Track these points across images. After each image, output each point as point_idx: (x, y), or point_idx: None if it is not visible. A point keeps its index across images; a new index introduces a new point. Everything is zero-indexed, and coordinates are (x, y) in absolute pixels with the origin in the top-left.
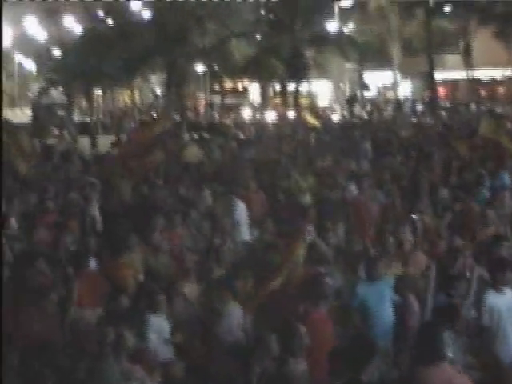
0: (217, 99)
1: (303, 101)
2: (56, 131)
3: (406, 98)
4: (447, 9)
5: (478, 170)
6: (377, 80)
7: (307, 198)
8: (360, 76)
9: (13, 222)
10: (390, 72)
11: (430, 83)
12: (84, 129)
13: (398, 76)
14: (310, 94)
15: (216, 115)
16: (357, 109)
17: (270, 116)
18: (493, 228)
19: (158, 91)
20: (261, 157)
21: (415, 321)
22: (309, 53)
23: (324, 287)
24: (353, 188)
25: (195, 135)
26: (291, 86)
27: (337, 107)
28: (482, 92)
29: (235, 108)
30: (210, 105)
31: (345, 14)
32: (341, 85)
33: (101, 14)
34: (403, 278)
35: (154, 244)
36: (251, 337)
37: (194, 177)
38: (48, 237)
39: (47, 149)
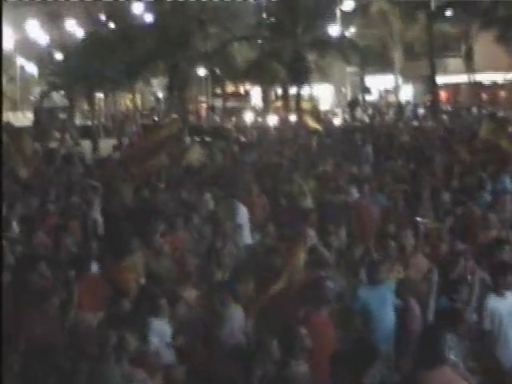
0: (219, 103)
1: (305, 105)
2: (58, 135)
3: (408, 102)
4: (449, 13)
5: (480, 173)
6: (378, 84)
7: (309, 202)
8: (362, 80)
9: (14, 225)
10: (392, 76)
11: (432, 87)
12: (86, 132)
13: (400, 80)
14: (311, 98)
15: (218, 119)
16: (358, 113)
17: (272, 120)
18: (494, 232)
19: (160, 95)
20: (262, 160)
21: (417, 325)
22: (310, 57)
23: (325, 291)
24: (354, 192)
25: (197, 139)
26: (293, 90)
27: (338, 111)
28: (484, 96)
29: (237, 112)
30: (211, 108)
31: (346, 18)
32: (342, 89)
33: (103, 17)
34: (404, 281)
35: (156, 248)
36: (252, 340)
37: (196, 180)
38: (48, 240)
39: (49, 152)
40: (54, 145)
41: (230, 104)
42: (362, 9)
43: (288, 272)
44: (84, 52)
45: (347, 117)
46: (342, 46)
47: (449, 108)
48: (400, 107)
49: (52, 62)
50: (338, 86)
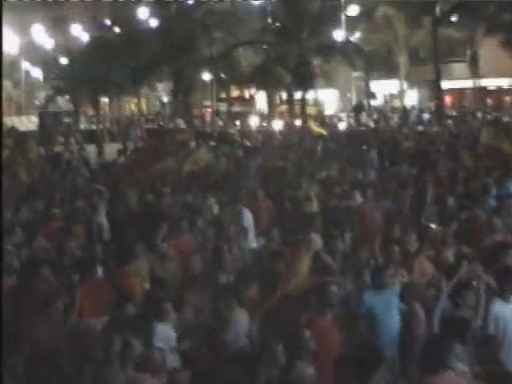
0: (223, 107)
1: (310, 109)
2: (62, 139)
3: (413, 107)
4: (454, 18)
5: (484, 179)
6: (383, 89)
7: (315, 207)
8: (367, 85)
9: (17, 229)
10: (397, 81)
11: (437, 92)
12: (91, 137)
13: (405, 85)
14: (316, 103)
15: (221, 123)
16: (363, 117)
17: (277, 124)
18: (499, 236)
19: (165, 99)
20: (267, 165)
21: (421, 329)
22: (315, 61)
23: (329, 295)
24: (357, 196)
25: (202, 143)
26: (298, 95)
27: (343, 116)
28: (489, 101)
29: (242, 116)
30: (216, 113)
31: (351, 23)
32: (347, 94)
33: (108, 22)
34: (409, 286)
35: (161, 252)
36: (257, 344)
37: (201, 185)
38: (47, 244)
39: (54, 156)
40: (58, 149)
41: (235, 108)
42: (366, 14)
43: (292, 276)
44: (89, 56)
45: (352, 121)
46: (347, 51)
47: (454, 113)
48: (405, 112)
49: (57, 66)
50: (343, 90)
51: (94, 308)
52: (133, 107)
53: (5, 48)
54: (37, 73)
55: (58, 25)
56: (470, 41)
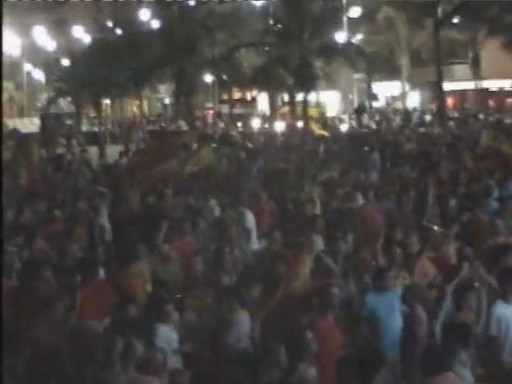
0: (225, 109)
1: (312, 111)
2: (64, 141)
3: (415, 109)
4: (456, 19)
5: (486, 180)
6: (385, 90)
7: (317, 209)
8: (368, 86)
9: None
10: (399, 82)
11: (439, 94)
12: (92, 138)
13: (407, 86)
14: (318, 105)
15: (222, 125)
16: (365, 119)
17: (279, 126)
18: (501, 238)
19: (167, 101)
20: (269, 167)
21: (422, 331)
22: (317, 63)
23: (331, 297)
24: (359, 198)
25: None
26: (300, 97)
27: (345, 118)
28: (491, 102)
29: (244, 118)
30: (218, 115)
31: (353, 25)
32: (349, 95)
33: (110, 23)
34: (410, 288)
35: (163, 253)
36: (259, 345)
37: (202, 186)
38: (46, 246)
39: (56, 158)
40: (60, 151)
41: (237, 110)
42: (368, 15)
43: (294, 278)
44: (91, 58)
45: (354, 123)
46: (349, 53)
47: (456, 115)
48: (407, 114)
49: (59, 68)
50: (345, 92)
51: (95, 310)
52: (135, 109)
53: (7, 50)
54: (39, 74)
55: (59, 27)
56: (472, 42)
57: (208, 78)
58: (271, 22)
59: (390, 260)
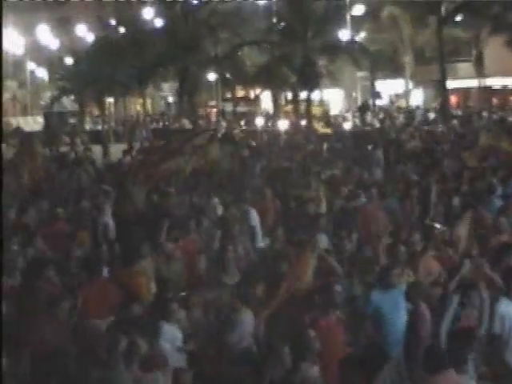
0: (229, 107)
1: (315, 109)
2: (68, 139)
3: (418, 107)
4: (459, 17)
5: (490, 178)
6: (389, 89)
7: (323, 207)
8: (372, 85)
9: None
10: (402, 80)
11: (442, 92)
12: (96, 137)
13: (410, 84)
14: (321, 103)
15: (227, 124)
16: (368, 117)
17: (282, 124)
18: (505, 236)
19: (170, 100)
20: (272, 165)
21: (426, 330)
22: (321, 61)
23: (333, 295)
24: (362, 196)
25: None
26: (303, 95)
27: (349, 116)
28: (494, 100)
29: (247, 116)
30: (221, 113)
31: (357, 23)
32: (353, 93)
33: (113, 22)
34: (414, 285)
35: (166, 252)
36: (263, 344)
37: (206, 184)
38: (48, 246)
39: (59, 157)
40: (64, 149)
41: (240, 108)
42: (372, 13)
43: (297, 277)
44: (94, 57)
45: (357, 121)
46: (353, 51)
47: (459, 112)
48: (410, 112)
49: (62, 66)
50: (349, 90)
51: (99, 308)
52: (138, 107)
53: (10, 48)
54: (42, 73)
55: (63, 25)
56: (476, 40)
57: (211, 76)
58: (274, 20)
59: (394, 258)
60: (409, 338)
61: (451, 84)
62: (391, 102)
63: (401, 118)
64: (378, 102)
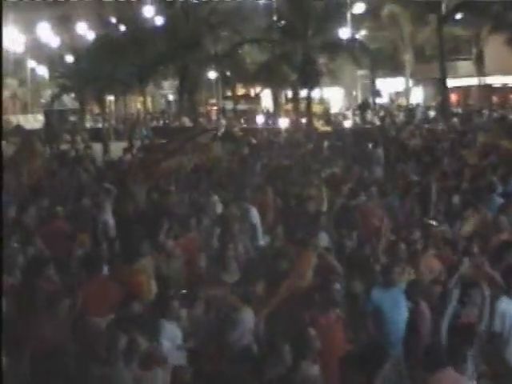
0: (229, 106)
1: (316, 107)
2: (69, 137)
3: (418, 105)
4: (459, 16)
5: (490, 176)
6: (389, 87)
7: (325, 205)
8: (372, 83)
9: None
10: (403, 79)
11: (442, 90)
12: (96, 135)
13: (411, 83)
14: (322, 101)
15: (227, 122)
16: (369, 115)
17: (283, 122)
18: (505, 234)
19: (171, 98)
20: (273, 163)
21: (427, 327)
22: (321, 60)
23: (333, 293)
24: (362, 194)
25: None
26: (303, 93)
27: (349, 114)
28: (494, 98)
29: (248, 114)
30: (222, 111)
31: (357, 21)
32: (353, 92)
33: (114, 20)
34: (414, 283)
35: (166, 250)
36: (263, 342)
37: (206, 182)
38: (50, 244)
39: (60, 155)
40: (64, 147)
41: (241, 107)
42: (372, 12)
43: (299, 276)
44: (95, 55)
45: (357, 119)
46: (353, 49)
47: (459, 111)
48: (410, 110)
49: (63, 64)
50: (349, 88)
51: (99, 306)
52: (138, 105)
53: (11, 46)
54: (42, 71)
55: (63, 23)
56: (476, 39)
57: (211, 74)
58: (275, 18)
59: (395, 256)
60: (409, 337)
61: (451, 82)
62: (391, 100)
63: (401, 116)
64: (378, 101)
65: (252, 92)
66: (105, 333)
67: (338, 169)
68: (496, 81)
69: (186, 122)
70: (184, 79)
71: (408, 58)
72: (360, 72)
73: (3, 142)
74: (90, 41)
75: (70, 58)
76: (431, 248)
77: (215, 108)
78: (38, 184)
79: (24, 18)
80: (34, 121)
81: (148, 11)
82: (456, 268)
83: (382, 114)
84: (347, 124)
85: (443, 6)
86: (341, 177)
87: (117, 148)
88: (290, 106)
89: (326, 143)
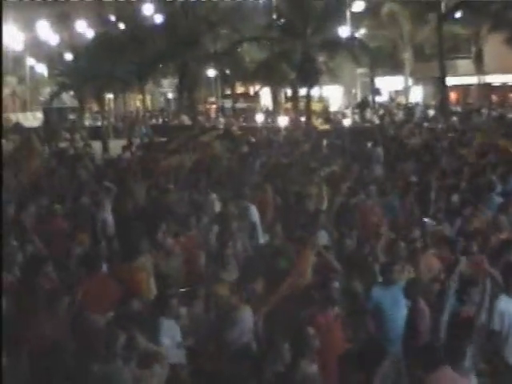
0: (228, 104)
1: (315, 106)
2: (68, 135)
3: (418, 104)
4: (459, 14)
5: (489, 175)
6: (388, 85)
7: (325, 204)
8: (372, 81)
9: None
10: (402, 77)
11: (442, 88)
12: (95, 133)
13: (410, 81)
14: (321, 99)
15: (226, 120)
16: (368, 114)
17: (282, 121)
18: (505, 233)
19: (170, 96)
20: (272, 161)
21: (425, 326)
22: (320, 58)
23: (331, 291)
24: (361, 193)
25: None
26: (303, 91)
27: (348, 112)
28: (494, 97)
29: (247, 112)
30: (221, 109)
31: (357, 20)
32: (352, 90)
33: (113, 18)
34: (413, 282)
35: (165, 248)
36: (262, 340)
37: (205, 180)
38: (48, 243)
39: (59, 153)
40: (63, 145)
41: (240, 105)
42: (372, 10)
43: (299, 275)
44: (94, 52)
45: (357, 118)
46: (352, 48)
47: (458, 109)
48: (410, 108)
49: (62, 62)
50: (348, 87)
51: (98, 304)
52: (138, 103)
53: (10, 44)
54: (41, 69)
55: (62, 21)
56: (475, 37)
57: (211, 72)
58: (274, 16)
59: (394, 254)
60: (408, 335)
61: (451, 81)
62: (391, 99)
63: (400, 115)
64: (378, 99)
65: (251, 90)
66: (104, 330)
67: (337, 167)
68: (495, 79)
69: (186, 120)
70: (183, 77)
71: (407, 56)
72: (359, 70)
73: (3, 140)
74: (89, 39)
75: (69, 56)
76: (430, 247)
77: (214, 106)
78: (37, 182)
79: (23, 15)
80: (33, 119)
81: (147, 9)
82: (454, 266)
83: (381, 112)
84: (346, 122)
85: (443, 5)
86: (340, 175)
87: (116, 146)
88: (289, 105)
89: (325, 141)
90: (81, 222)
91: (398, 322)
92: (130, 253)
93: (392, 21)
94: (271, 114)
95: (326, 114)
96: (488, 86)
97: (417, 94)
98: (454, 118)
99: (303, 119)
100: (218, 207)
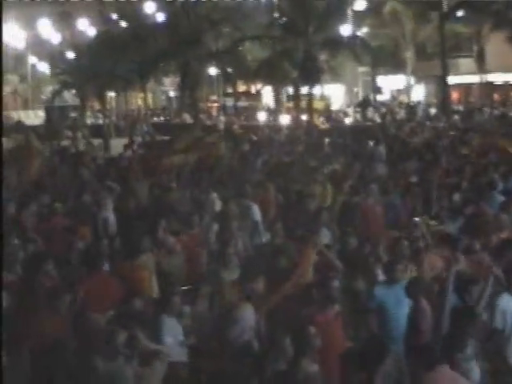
0: (230, 102)
1: (316, 104)
2: (70, 133)
3: (419, 102)
4: (461, 13)
5: (491, 174)
6: (390, 84)
7: (328, 203)
8: (373, 80)
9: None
10: (404, 76)
11: (444, 87)
12: (97, 131)
13: (412, 80)
14: (323, 98)
15: (228, 119)
16: (370, 112)
17: (284, 119)
18: (507, 232)
19: (172, 94)
20: (273, 160)
21: (427, 325)
22: (322, 56)
23: (331, 290)
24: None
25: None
26: (304, 90)
27: (350, 111)
28: (496, 96)
29: (248, 111)
30: (223, 108)
31: (359, 18)
32: (354, 89)
33: (114, 16)
34: (415, 281)
35: (167, 246)
36: (264, 338)
37: (207, 179)
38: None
39: (60, 151)
40: (65, 143)
41: (242, 103)
42: (374, 9)
43: (301, 274)
44: (96, 51)
45: (358, 116)
46: (354, 46)
47: (460, 108)
48: (411, 107)
49: (64, 60)
50: (350, 85)
51: (100, 302)
52: (139, 102)
53: (11, 42)
54: (43, 67)
55: (64, 19)
56: (477, 36)
57: (212, 71)
58: (276, 15)
59: (397, 253)
60: (409, 334)
61: (453, 80)
62: (392, 98)
63: (402, 114)
64: (380, 98)
65: (253, 89)
66: (105, 329)
67: (339, 166)
68: (497, 78)
69: (187, 118)
70: (185, 76)
71: (409, 55)
72: (361, 69)
73: (4, 139)
74: (90, 37)
75: (70, 55)
76: (432, 246)
77: (216, 105)
78: (38, 180)
79: (25, 14)
80: (35, 117)
81: (149, 7)
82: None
83: (382, 111)
84: (348, 121)
85: (445, 4)
86: (342, 174)
87: (117, 144)
88: (290, 103)
89: (326, 140)
90: (82, 221)
91: (401, 320)
92: (132, 251)
93: (394, 19)
94: (273, 113)
95: (327, 113)
96: (490, 84)
97: (419, 93)
98: (456, 117)
99: (305, 118)
100: (218, 206)
